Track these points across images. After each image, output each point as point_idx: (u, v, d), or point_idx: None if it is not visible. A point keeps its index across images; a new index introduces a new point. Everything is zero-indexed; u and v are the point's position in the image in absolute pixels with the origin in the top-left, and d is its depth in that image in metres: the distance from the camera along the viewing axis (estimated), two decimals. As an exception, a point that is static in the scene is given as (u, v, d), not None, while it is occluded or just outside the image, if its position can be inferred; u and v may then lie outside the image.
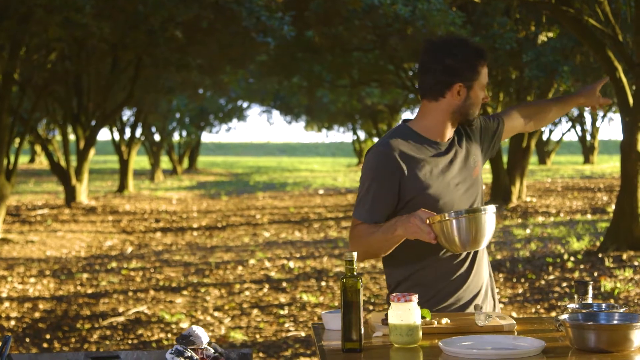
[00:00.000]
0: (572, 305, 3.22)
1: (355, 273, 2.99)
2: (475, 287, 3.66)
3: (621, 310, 3.09)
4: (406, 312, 2.98)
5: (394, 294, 3.01)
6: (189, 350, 2.94)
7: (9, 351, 3.14)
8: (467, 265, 3.64)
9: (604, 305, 3.21)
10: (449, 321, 3.28)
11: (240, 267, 12.76)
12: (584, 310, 3.15)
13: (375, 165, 3.61)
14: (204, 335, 2.98)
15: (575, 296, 3.28)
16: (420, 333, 3.01)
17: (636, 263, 11.13)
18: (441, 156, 3.66)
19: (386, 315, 3.10)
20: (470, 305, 3.62)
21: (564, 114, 4.23)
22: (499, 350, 2.89)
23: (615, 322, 2.98)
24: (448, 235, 3.33)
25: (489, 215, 3.34)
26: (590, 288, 3.26)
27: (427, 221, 3.34)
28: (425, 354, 2.95)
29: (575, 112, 40.22)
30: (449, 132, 3.70)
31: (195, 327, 3.00)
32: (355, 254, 3.01)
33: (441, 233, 3.33)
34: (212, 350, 3.00)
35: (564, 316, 2.98)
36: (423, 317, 3.17)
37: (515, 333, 3.19)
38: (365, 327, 3.22)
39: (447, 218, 3.31)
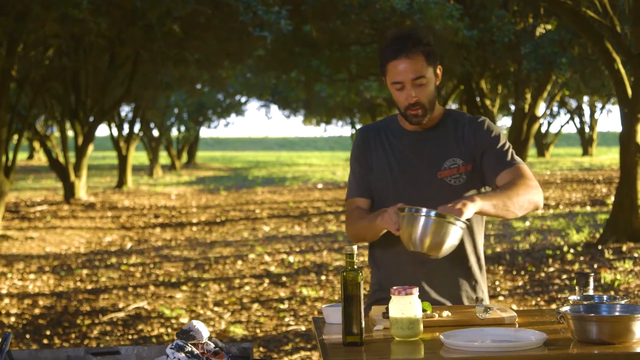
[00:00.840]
0: (573, 297, 3.21)
1: (355, 267, 2.98)
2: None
3: (622, 302, 3.09)
4: (407, 305, 2.97)
5: (394, 287, 3.01)
6: (190, 345, 2.93)
7: (9, 347, 3.12)
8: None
9: (605, 297, 3.20)
10: (450, 314, 3.27)
11: (239, 262, 12.76)
12: (585, 302, 3.14)
13: (354, 145, 3.83)
14: (204, 330, 2.97)
15: (577, 288, 3.28)
16: (421, 326, 3.00)
17: (636, 255, 11.13)
18: (403, 147, 3.68)
19: (387, 308, 3.09)
20: None
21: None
22: (501, 342, 2.88)
23: (616, 313, 2.98)
24: (407, 230, 3.28)
25: (454, 228, 3.26)
26: (591, 280, 3.26)
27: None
28: (426, 347, 2.94)
29: (573, 103, 40.22)
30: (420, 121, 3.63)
31: (195, 322, 2.99)
32: (355, 247, 3.01)
33: (404, 226, 3.30)
34: (212, 345, 2.99)
35: (566, 308, 2.98)
36: (424, 310, 3.17)
37: (517, 325, 3.18)
38: (366, 320, 3.21)
39: (414, 213, 3.25)
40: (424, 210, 3.23)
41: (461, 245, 3.57)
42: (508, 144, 3.68)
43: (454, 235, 3.25)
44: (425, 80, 3.55)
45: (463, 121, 3.70)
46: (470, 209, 3.30)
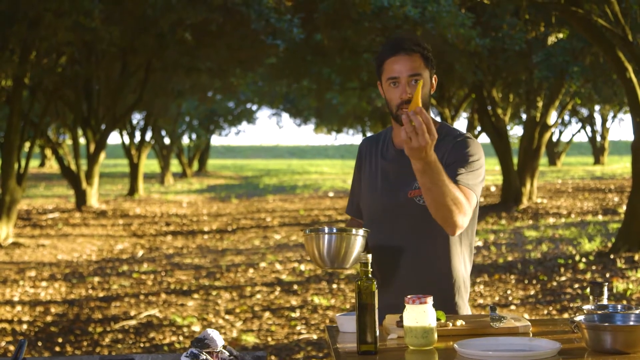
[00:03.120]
0: (587, 307, 3.20)
1: (370, 275, 2.98)
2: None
3: (637, 311, 3.08)
4: (421, 314, 2.97)
5: (408, 296, 3.00)
6: (204, 353, 2.94)
7: (24, 355, 3.13)
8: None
9: (619, 307, 3.19)
10: (463, 323, 3.27)
11: (251, 270, 12.76)
12: (599, 312, 3.13)
13: (357, 155, 3.89)
14: (219, 339, 2.98)
15: (591, 297, 3.27)
16: (436, 335, 3.00)
17: (648, 264, 11.10)
18: (389, 162, 3.68)
19: (401, 317, 3.09)
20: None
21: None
22: (515, 352, 2.88)
23: (631, 323, 2.96)
24: (312, 249, 3.39)
25: (358, 239, 3.36)
26: (605, 289, 3.25)
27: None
28: (440, 356, 2.94)
29: (585, 112, 40.15)
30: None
31: (210, 330, 2.99)
32: (370, 256, 3.01)
33: (309, 246, 3.40)
34: (227, 354, 3.00)
35: (580, 317, 2.97)
36: (438, 319, 3.16)
37: (531, 335, 3.18)
38: (380, 329, 3.21)
39: (314, 233, 3.36)
40: (325, 228, 3.34)
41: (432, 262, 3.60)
42: (475, 167, 3.51)
43: (358, 245, 3.36)
44: (422, 80, 3.49)
45: (448, 138, 3.59)
46: (425, 152, 3.15)
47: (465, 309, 3.71)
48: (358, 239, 3.36)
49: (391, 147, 3.71)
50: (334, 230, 3.34)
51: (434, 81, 3.62)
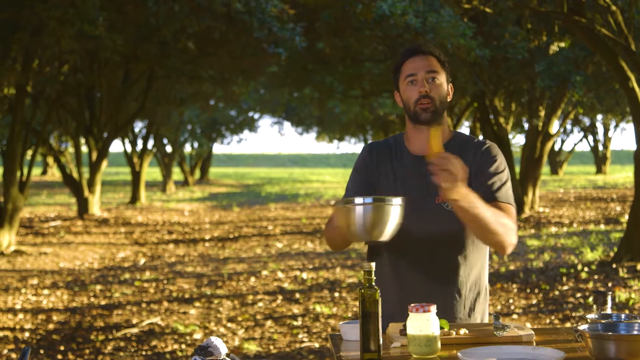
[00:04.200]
0: (591, 316, 3.20)
1: (373, 283, 2.98)
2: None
3: (641, 321, 3.08)
4: (425, 323, 2.97)
5: (412, 305, 3.00)
6: (207, 361, 2.94)
7: (27, 363, 3.13)
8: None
9: (623, 316, 3.19)
10: (467, 332, 3.26)
11: (253, 278, 12.76)
12: (603, 321, 3.13)
13: (359, 157, 3.84)
14: (222, 346, 2.98)
15: (594, 306, 3.26)
16: (439, 344, 3.00)
17: (650, 273, 11.09)
18: (407, 168, 3.65)
19: (404, 325, 3.09)
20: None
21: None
22: (519, 360, 2.88)
23: (635, 332, 2.96)
24: (345, 221, 3.25)
25: (393, 208, 3.21)
26: (609, 298, 3.25)
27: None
28: (444, 364, 2.94)
29: (587, 121, 40.17)
30: (422, 145, 3.62)
31: (213, 338, 2.99)
32: (373, 264, 3.01)
33: (341, 218, 3.28)
34: (230, 362, 2.99)
35: (584, 326, 2.97)
36: (441, 328, 3.16)
37: (534, 343, 3.17)
38: (384, 337, 3.21)
39: (348, 205, 3.23)
40: (358, 199, 3.21)
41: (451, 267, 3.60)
42: (506, 178, 3.59)
43: (394, 215, 3.22)
44: (439, 78, 3.58)
45: (469, 145, 3.64)
46: (457, 190, 3.23)
47: (486, 316, 3.72)
48: (393, 208, 3.23)
49: (406, 153, 3.70)
50: (369, 201, 3.21)
51: (450, 90, 3.67)
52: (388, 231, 3.25)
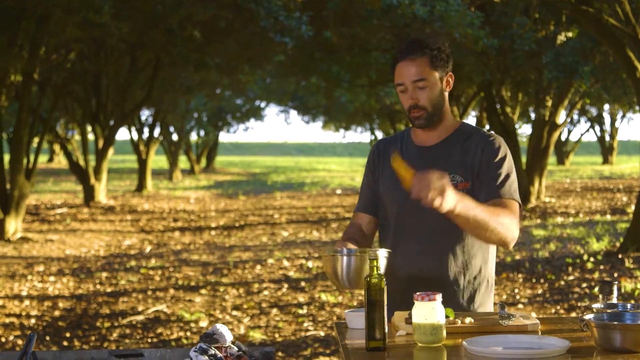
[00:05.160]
0: (596, 305, 3.20)
1: (379, 272, 2.98)
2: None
3: (647, 311, 3.07)
4: (430, 311, 2.97)
5: (417, 293, 3.01)
6: (213, 348, 2.94)
7: (33, 349, 3.14)
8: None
9: (629, 305, 3.19)
10: (472, 320, 3.26)
11: (258, 267, 12.77)
12: (609, 310, 3.13)
13: (368, 157, 3.87)
14: (227, 334, 2.98)
15: (600, 296, 3.26)
16: (444, 332, 3.00)
17: (656, 264, 11.08)
18: (412, 160, 3.60)
19: (410, 314, 3.09)
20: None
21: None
22: (524, 349, 2.87)
23: (640, 322, 2.96)
24: (330, 270, 3.33)
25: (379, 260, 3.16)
26: (615, 288, 3.25)
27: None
28: (449, 353, 2.94)
29: (594, 111, 40.08)
30: (427, 136, 3.66)
31: (219, 326, 3.00)
32: (379, 252, 3.01)
33: (328, 267, 3.35)
34: (235, 349, 3.00)
35: (589, 316, 2.97)
36: (447, 317, 3.16)
37: (540, 333, 3.17)
38: (389, 326, 3.21)
39: (333, 254, 3.30)
40: (345, 249, 3.29)
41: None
42: (509, 172, 3.58)
43: (380, 264, 3.21)
44: (427, 83, 3.54)
45: (474, 137, 3.64)
46: (447, 202, 3.23)
47: (489, 306, 3.72)
48: (380, 260, 3.20)
49: (411, 145, 3.72)
50: (353, 252, 3.29)
51: (449, 79, 3.62)
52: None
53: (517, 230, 3.51)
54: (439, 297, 2.99)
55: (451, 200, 3.24)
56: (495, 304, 3.73)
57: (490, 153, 3.58)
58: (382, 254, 3.29)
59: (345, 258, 3.26)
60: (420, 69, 3.53)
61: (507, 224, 3.45)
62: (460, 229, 3.53)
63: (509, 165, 3.59)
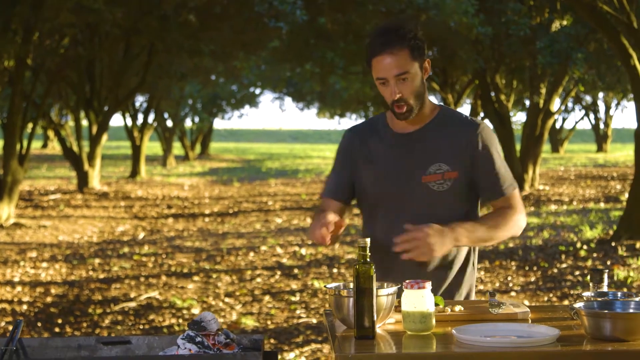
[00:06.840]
0: (587, 294, 3.19)
1: (368, 259, 2.96)
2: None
3: (637, 299, 3.06)
4: (419, 299, 2.95)
5: (407, 281, 2.99)
6: (201, 335, 2.93)
7: (20, 335, 3.13)
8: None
9: (619, 294, 3.18)
10: (462, 308, 3.25)
11: (251, 254, 12.76)
12: (599, 299, 3.12)
13: (340, 144, 3.80)
14: (215, 322, 2.97)
15: (591, 284, 3.25)
16: (434, 320, 2.98)
17: (649, 252, 11.08)
18: (391, 147, 3.60)
19: (399, 302, 3.07)
20: None
21: None
22: (514, 338, 2.86)
23: (631, 310, 2.95)
24: (336, 310, 3.11)
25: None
26: (605, 276, 3.24)
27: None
28: (438, 341, 2.93)
29: (588, 99, 40.10)
30: (406, 122, 3.59)
31: (206, 313, 2.98)
32: (368, 240, 2.98)
33: (333, 306, 3.12)
34: (223, 337, 2.98)
35: (579, 304, 2.96)
36: (436, 305, 3.15)
37: (530, 321, 3.16)
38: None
39: (337, 294, 3.09)
40: (348, 290, 3.06)
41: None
42: (502, 160, 3.62)
43: (387, 304, 3.04)
44: (410, 75, 3.47)
45: (456, 123, 3.60)
46: (448, 247, 3.41)
47: (472, 295, 3.71)
48: (385, 298, 3.04)
49: (390, 132, 3.66)
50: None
51: (427, 65, 3.56)
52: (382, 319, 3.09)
53: (523, 219, 3.61)
54: (428, 285, 2.97)
55: (448, 242, 3.40)
56: (487, 292, 3.72)
57: (485, 150, 3.57)
58: (389, 291, 3.05)
59: (351, 299, 3.01)
60: (402, 61, 3.46)
61: (511, 224, 3.57)
62: (445, 218, 3.49)
63: (499, 152, 3.62)
